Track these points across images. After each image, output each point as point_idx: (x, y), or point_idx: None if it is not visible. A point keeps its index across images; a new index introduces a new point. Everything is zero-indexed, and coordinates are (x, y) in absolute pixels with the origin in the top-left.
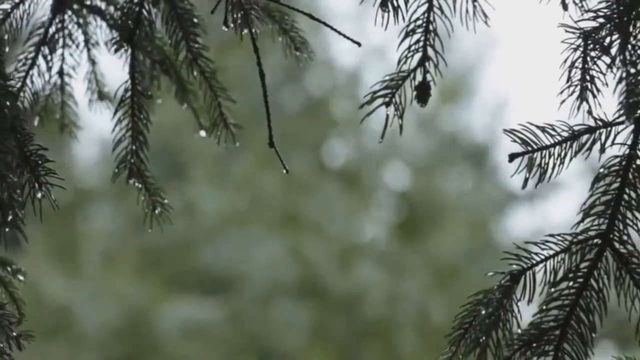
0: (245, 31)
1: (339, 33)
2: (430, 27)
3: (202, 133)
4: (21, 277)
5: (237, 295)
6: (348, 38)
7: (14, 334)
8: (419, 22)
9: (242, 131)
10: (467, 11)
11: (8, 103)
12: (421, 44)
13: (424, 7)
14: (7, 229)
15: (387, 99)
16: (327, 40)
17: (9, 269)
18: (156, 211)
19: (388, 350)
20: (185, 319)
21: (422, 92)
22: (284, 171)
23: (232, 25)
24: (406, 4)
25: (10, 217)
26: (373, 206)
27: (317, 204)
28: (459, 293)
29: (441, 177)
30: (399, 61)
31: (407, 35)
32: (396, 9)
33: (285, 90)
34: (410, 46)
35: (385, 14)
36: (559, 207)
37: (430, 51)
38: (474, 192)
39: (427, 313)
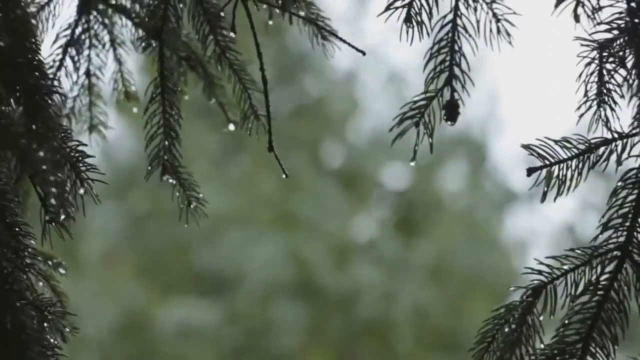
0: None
1: (344, 42)
2: (456, 47)
3: (231, 127)
4: (62, 271)
5: (234, 295)
6: (353, 47)
7: (67, 329)
8: (443, 42)
9: (240, 132)
10: (491, 31)
11: (50, 102)
12: (447, 63)
13: (448, 27)
14: (56, 224)
15: (415, 119)
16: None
17: (49, 262)
18: (192, 206)
19: (385, 349)
20: (184, 319)
21: (451, 111)
22: (283, 176)
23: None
24: (430, 19)
25: (63, 217)
26: (370, 205)
27: (314, 204)
28: (456, 292)
29: (439, 175)
30: (426, 82)
31: (431, 57)
32: (420, 24)
33: (282, 90)
34: (436, 67)
35: (410, 29)
36: (558, 207)
37: (456, 70)
38: (472, 191)
39: (424, 312)
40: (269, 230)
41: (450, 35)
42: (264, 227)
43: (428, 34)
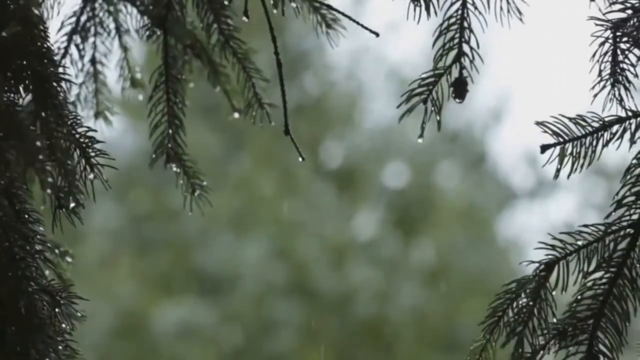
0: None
1: (357, 23)
2: (465, 24)
3: (236, 115)
4: (69, 259)
5: (232, 295)
6: (366, 28)
7: (79, 314)
8: (453, 19)
9: (239, 132)
10: (501, 8)
11: (59, 89)
12: (456, 41)
13: (458, 4)
14: (69, 214)
15: (424, 96)
16: (322, 38)
17: (57, 251)
18: (195, 194)
19: (383, 349)
20: (182, 320)
21: (459, 88)
22: (300, 159)
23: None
24: None
25: (73, 204)
26: (369, 205)
27: (312, 204)
28: (455, 291)
29: (438, 174)
30: (435, 59)
31: (441, 34)
32: (427, 3)
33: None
34: (445, 44)
35: (417, 8)
36: (558, 207)
37: (465, 47)
38: (471, 190)
39: (422, 312)
40: (267, 230)
41: (459, 12)
42: (261, 227)
43: (436, 12)
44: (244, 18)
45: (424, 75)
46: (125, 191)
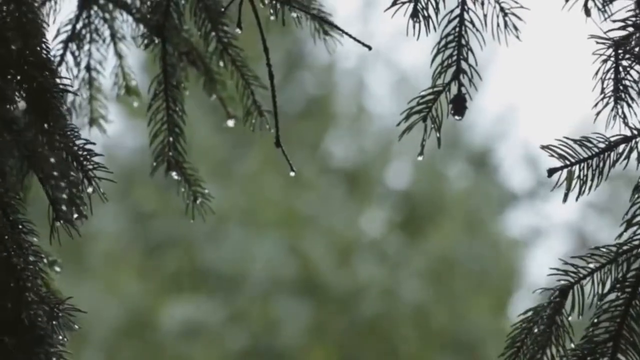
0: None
1: (350, 36)
2: (463, 41)
3: (230, 123)
4: (57, 269)
5: (238, 293)
6: (358, 41)
7: (77, 327)
8: (450, 37)
9: (246, 130)
10: (498, 25)
11: (61, 100)
12: (454, 58)
13: (455, 22)
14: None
15: (423, 114)
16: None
17: (45, 260)
18: (197, 201)
19: (387, 348)
20: (188, 318)
21: (458, 105)
22: (291, 173)
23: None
24: (437, 13)
25: (76, 215)
26: (374, 204)
27: (318, 203)
28: (459, 291)
29: (442, 175)
30: (434, 77)
31: (439, 51)
32: (427, 19)
33: (285, 90)
34: (443, 61)
35: (417, 24)
36: (558, 208)
37: (464, 64)
38: (474, 191)
39: (427, 311)
40: (273, 228)
41: (457, 29)
42: (268, 226)
43: (435, 28)
44: (237, 30)
45: (423, 93)
46: (130, 189)
